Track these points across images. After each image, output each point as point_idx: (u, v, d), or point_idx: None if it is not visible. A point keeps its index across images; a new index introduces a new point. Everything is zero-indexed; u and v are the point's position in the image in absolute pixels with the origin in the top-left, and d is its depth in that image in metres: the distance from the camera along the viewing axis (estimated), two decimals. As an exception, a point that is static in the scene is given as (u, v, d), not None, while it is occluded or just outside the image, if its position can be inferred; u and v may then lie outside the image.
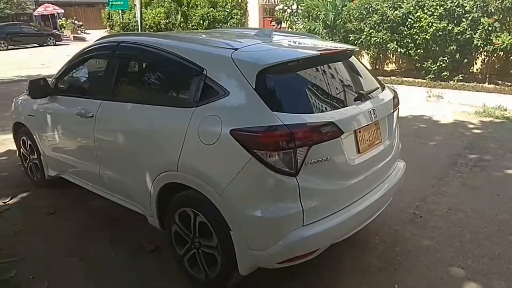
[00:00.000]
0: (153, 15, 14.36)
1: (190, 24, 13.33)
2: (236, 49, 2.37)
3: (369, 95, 2.58)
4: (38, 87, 3.44)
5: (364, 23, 9.48)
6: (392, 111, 2.75)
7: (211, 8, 13.40)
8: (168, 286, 2.64)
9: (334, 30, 10.07)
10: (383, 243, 3.07)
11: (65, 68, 3.51)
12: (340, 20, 9.94)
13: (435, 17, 8.39)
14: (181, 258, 2.63)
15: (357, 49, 2.88)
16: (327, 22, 9.89)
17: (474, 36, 8.28)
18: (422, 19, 8.50)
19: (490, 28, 7.84)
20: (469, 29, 8.25)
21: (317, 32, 10.17)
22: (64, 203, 3.84)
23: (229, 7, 13.52)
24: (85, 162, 3.30)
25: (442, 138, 5.67)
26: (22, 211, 3.74)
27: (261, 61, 2.28)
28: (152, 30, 14.96)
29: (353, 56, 2.80)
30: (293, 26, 11.42)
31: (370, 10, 9.26)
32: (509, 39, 7.71)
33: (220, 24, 13.28)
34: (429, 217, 3.43)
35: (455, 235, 3.14)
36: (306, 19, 10.71)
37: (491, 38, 8.01)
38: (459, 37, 8.37)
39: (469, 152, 5.03)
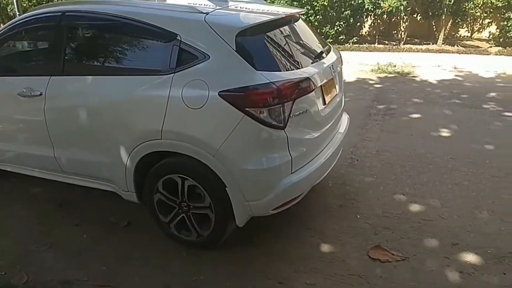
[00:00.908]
0: None
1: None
2: (207, 14, 2.44)
3: (326, 53, 2.89)
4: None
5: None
6: (340, 67, 3.12)
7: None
8: (152, 255, 2.70)
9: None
10: (336, 185, 3.52)
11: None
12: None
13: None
14: (167, 225, 2.71)
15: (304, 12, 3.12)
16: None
17: (366, 0, 9.23)
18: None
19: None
20: (361, -6, 9.21)
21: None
22: (2, 196, 3.49)
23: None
24: (32, 147, 3.05)
25: (352, 94, 6.40)
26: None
27: (236, 24, 2.41)
28: None
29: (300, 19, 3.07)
30: None
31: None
32: (394, 2, 8.85)
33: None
34: (364, 159, 4.00)
35: (388, 170, 3.75)
36: None
37: (379, 2, 9.07)
38: (352, 2, 9.28)
39: (377, 104, 5.82)
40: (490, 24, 10.52)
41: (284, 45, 2.60)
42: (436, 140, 4.42)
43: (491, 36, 10.37)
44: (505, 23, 9.04)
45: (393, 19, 9.91)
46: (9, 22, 3.02)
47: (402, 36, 10.10)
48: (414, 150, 4.14)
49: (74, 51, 2.80)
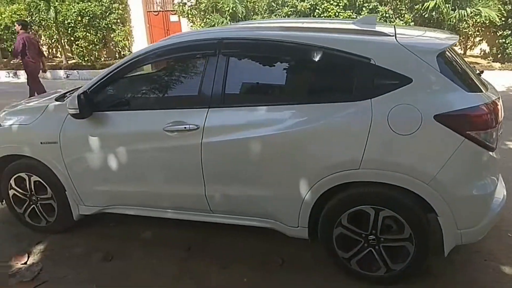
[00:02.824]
0: (10, 13, 12.00)
1: (66, 21, 11.64)
2: (393, 36, 2.40)
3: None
4: (85, 102, 2.70)
5: (275, 15, 9.97)
6: None
7: (88, 2, 11.94)
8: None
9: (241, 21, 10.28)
10: None
11: (114, 78, 2.84)
12: (245, 13, 10.19)
13: (341, 7, 9.43)
14: (346, 261, 2.55)
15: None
16: (238, 15, 10.01)
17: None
18: (329, 9, 9.44)
19: (386, 15, 9.24)
20: (367, 17, 9.53)
21: (224, 25, 10.21)
22: (115, 243, 3.15)
23: (107, 0, 12.28)
24: (175, 186, 2.79)
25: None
26: (67, 263, 2.93)
27: (434, 46, 2.38)
28: (8, 32, 12.54)
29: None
30: (194, 21, 11.12)
31: (280, 2, 9.78)
32: (402, 23, 9.26)
33: (98, 20, 11.97)
34: None
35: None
36: (211, 14, 10.59)
37: (387, 22, 9.46)
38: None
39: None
40: (481, 42, 11.29)
41: (464, 68, 2.58)
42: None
43: (482, 52, 11.12)
44: (504, 40, 9.71)
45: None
46: (141, 51, 2.79)
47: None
48: None
49: (238, 80, 2.63)
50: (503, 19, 9.06)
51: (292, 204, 2.54)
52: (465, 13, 8.74)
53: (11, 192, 3.28)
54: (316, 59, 2.43)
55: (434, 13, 8.99)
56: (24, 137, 3.09)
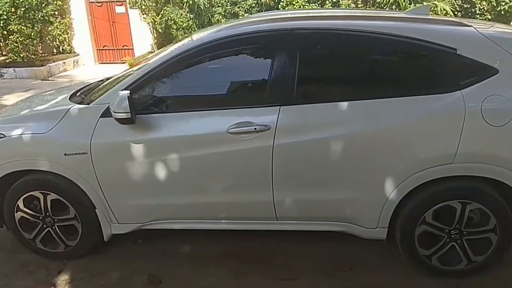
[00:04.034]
0: None
1: (-3, 14, 10.30)
2: (470, 26, 2.39)
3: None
4: (131, 104, 2.32)
5: (238, 7, 9.69)
6: None
7: (21, -7, 10.66)
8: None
9: (202, 14, 9.88)
10: None
11: (161, 75, 2.49)
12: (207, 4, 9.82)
13: (305, 0, 9.44)
14: (427, 258, 2.51)
15: None
16: (200, 7, 9.58)
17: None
18: (294, 2, 9.40)
19: (349, 8, 9.43)
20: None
21: (182, 18, 9.75)
22: (153, 263, 2.79)
23: (42, -11, 11.08)
24: (235, 194, 2.54)
25: None
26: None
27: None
28: None
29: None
30: (147, 13, 10.44)
31: (244, -6, 9.56)
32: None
33: (33, 12, 10.78)
34: None
35: None
36: (167, 5, 10.01)
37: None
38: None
39: None
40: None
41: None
42: None
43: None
44: None
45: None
46: (193, 44, 2.47)
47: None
48: None
49: (312, 74, 2.44)
50: (456, 13, 9.71)
51: (374, 205, 2.43)
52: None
53: (17, 214, 2.77)
54: (400, 50, 2.35)
55: (394, 6, 9.37)
56: (40, 148, 2.61)
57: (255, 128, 2.35)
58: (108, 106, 2.49)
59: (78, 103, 2.70)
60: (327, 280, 2.59)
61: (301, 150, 2.38)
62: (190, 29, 10.38)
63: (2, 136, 2.64)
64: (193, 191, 2.57)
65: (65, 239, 2.78)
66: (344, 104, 2.33)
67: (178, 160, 2.48)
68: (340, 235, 2.66)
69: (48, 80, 9.92)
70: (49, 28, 11.55)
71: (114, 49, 12.09)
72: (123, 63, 11.71)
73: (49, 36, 11.82)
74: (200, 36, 2.60)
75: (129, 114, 2.30)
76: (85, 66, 11.79)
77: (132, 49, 11.88)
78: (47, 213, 2.73)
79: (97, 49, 12.13)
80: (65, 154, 2.53)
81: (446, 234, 2.45)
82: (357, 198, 2.43)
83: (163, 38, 11.32)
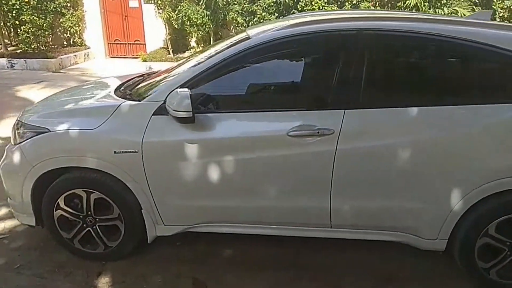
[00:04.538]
0: None
1: (10, 2, 10.15)
2: None
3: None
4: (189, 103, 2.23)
5: (257, 5, 9.62)
6: None
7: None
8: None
9: (218, 11, 9.79)
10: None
11: (220, 73, 2.41)
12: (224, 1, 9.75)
13: (324, 0, 9.36)
14: (486, 271, 2.43)
15: None
16: (218, 3, 9.49)
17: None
18: (313, 2, 9.32)
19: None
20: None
21: (197, 15, 9.66)
22: (196, 267, 2.71)
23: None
24: (290, 199, 2.47)
25: None
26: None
27: None
28: None
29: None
30: (163, 9, 10.32)
31: (263, -8, 9.48)
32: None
33: (46, 3, 10.66)
34: None
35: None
36: (185, 0, 9.92)
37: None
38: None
39: None
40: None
41: None
42: None
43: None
44: None
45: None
46: (257, 41, 2.38)
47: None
48: None
49: (381, 77, 2.38)
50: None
51: (437, 216, 2.36)
52: (442, 12, 9.15)
53: (57, 213, 2.68)
54: (473, 56, 2.29)
55: (414, 10, 9.31)
56: (88, 145, 2.52)
57: (318, 132, 2.27)
58: (161, 104, 2.41)
59: (123, 99, 2.62)
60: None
61: (364, 156, 2.31)
62: (204, 26, 10.32)
63: (47, 130, 2.55)
64: (247, 194, 2.49)
65: (106, 239, 2.70)
66: (412, 110, 2.26)
67: (234, 161, 2.39)
68: (386, 245, 2.60)
69: (60, 72, 9.81)
70: (61, 20, 11.45)
71: (126, 44, 11.96)
72: (135, 57, 11.62)
73: (60, 28, 11.71)
74: (259, 34, 2.51)
75: (190, 113, 2.21)
76: (96, 60, 11.67)
77: (144, 44, 11.76)
78: (89, 212, 2.65)
79: (108, 43, 12.01)
80: (115, 152, 2.44)
81: (507, 247, 2.38)
82: (420, 208, 2.36)
83: (177, 34, 11.25)
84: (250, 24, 9.97)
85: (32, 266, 2.74)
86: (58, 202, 2.64)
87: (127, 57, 11.86)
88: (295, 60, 2.56)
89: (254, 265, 2.74)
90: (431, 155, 2.27)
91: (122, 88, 2.91)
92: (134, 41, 11.93)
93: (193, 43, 11.55)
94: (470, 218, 2.34)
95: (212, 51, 2.80)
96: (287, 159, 2.36)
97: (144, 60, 10.22)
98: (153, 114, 2.43)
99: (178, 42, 11.30)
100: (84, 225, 2.69)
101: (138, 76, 3.28)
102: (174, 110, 2.24)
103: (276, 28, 2.50)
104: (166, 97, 2.40)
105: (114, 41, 11.98)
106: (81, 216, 2.67)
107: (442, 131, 2.25)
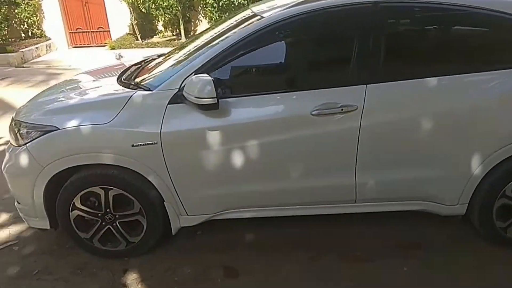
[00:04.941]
0: None
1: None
2: None
3: None
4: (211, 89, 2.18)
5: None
6: None
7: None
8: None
9: None
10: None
11: (236, 55, 2.35)
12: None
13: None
14: (503, 230, 2.57)
15: None
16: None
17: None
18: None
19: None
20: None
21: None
22: (222, 255, 2.70)
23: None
24: (314, 178, 2.49)
25: None
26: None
27: None
28: None
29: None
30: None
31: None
32: None
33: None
34: None
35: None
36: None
37: None
38: None
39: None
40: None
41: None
42: None
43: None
44: None
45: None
46: (270, 20, 2.32)
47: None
48: None
49: (401, 50, 2.40)
50: None
51: (458, 182, 2.45)
52: None
53: (73, 213, 2.58)
54: (488, 23, 2.35)
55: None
56: (103, 140, 2.42)
57: (342, 109, 2.28)
58: (176, 92, 2.34)
59: (130, 89, 2.53)
60: (403, 261, 2.57)
61: (388, 129, 2.35)
62: (171, 9, 10.03)
63: (55, 128, 2.42)
64: (271, 178, 2.48)
65: (128, 235, 2.63)
66: (432, 81, 2.30)
67: (257, 145, 2.37)
68: (408, 215, 2.69)
69: (23, 67, 9.29)
70: (16, 11, 10.79)
71: (89, 32, 11.47)
72: (101, 46, 11.17)
73: (16, 20, 11.05)
74: (271, 12, 2.45)
75: (215, 99, 2.16)
76: (59, 51, 11.13)
77: (108, 31, 11.32)
78: (108, 210, 2.56)
79: (70, 32, 11.47)
80: (132, 145, 2.36)
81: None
82: (442, 176, 2.44)
83: (143, 18, 10.87)
84: (220, 4, 9.78)
85: (51, 270, 2.64)
86: (73, 202, 2.53)
87: (92, 46, 11.40)
88: (313, 37, 2.52)
89: (279, 247, 2.75)
90: (453, 123, 2.33)
91: (124, 77, 2.79)
92: (98, 29, 11.45)
93: (160, 27, 11.22)
94: (489, 181, 2.44)
95: (215, 33, 2.74)
96: (311, 138, 2.36)
97: (113, 48, 9.83)
98: (168, 103, 2.36)
99: (145, 27, 10.94)
100: (103, 223, 2.60)
101: (135, 64, 3.16)
102: (196, 97, 2.18)
103: (289, 5, 2.45)
104: (181, 85, 2.34)
105: (76, 30, 11.46)
106: (99, 214, 2.58)
107: (462, 99, 2.32)
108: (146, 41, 10.48)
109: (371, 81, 2.30)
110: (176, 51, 3.00)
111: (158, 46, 9.70)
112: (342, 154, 2.40)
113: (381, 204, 2.59)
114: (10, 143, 2.71)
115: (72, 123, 2.41)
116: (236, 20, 2.74)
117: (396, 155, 2.42)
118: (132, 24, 10.75)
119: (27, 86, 7.48)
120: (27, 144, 2.45)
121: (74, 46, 11.56)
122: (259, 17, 2.49)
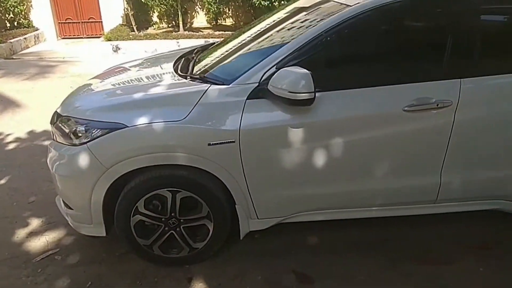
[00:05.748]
0: None
1: None
2: None
3: None
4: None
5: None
6: None
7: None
8: None
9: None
10: None
11: (321, 47, 2.18)
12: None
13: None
14: None
15: None
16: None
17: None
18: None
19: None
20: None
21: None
22: (288, 259, 2.53)
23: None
24: (399, 178, 2.35)
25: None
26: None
27: None
28: None
29: None
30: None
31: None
32: None
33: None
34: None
35: None
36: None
37: None
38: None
39: None
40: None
41: None
42: None
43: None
44: None
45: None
46: (360, 8, 2.15)
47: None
48: None
49: (499, 42, 2.28)
50: None
51: None
52: None
53: (134, 218, 2.36)
54: None
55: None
56: (177, 139, 2.20)
57: (437, 105, 2.14)
58: (256, 87, 2.15)
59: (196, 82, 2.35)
60: (484, 262, 2.49)
61: (481, 126, 2.25)
62: (168, -1, 9.71)
63: (123, 126, 2.19)
64: (353, 178, 2.34)
65: (192, 241, 2.43)
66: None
67: (342, 144, 2.21)
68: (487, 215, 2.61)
69: (13, 58, 8.78)
70: (1, -1, 10.20)
71: (79, 22, 10.97)
72: (92, 37, 10.73)
73: (1, 8, 10.44)
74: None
75: (312, 94, 1.98)
76: (48, 42, 10.60)
77: (100, 21, 10.86)
78: (172, 214, 2.35)
79: (59, 23, 10.95)
80: (209, 144, 2.16)
81: None
82: None
83: (137, 9, 10.49)
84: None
85: (106, 281, 2.42)
86: (137, 206, 2.31)
87: (82, 37, 10.93)
88: (404, 28, 2.37)
89: (350, 250, 2.61)
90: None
91: (185, 70, 2.58)
92: (89, 19, 10.97)
93: (155, 18, 10.86)
94: None
95: (282, 22, 2.57)
96: (401, 136, 2.23)
97: (109, 39, 9.41)
98: (247, 99, 2.17)
99: (139, 18, 10.55)
100: (166, 228, 2.39)
101: (190, 53, 2.98)
102: (290, 92, 2.00)
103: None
104: (261, 79, 2.15)
105: (66, 20, 10.93)
106: (163, 219, 2.37)
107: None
108: (142, 32, 10.10)
109: (466, 75, 2.18)
110: (233, 40, 2.80)
111: (158, 38, 9.36)
112: (430, 152, 2.28)
113: (459, 204, 2.49)
114: (56, 141, 2.45)
115: (142, 120, 2.18)
116: (309, 9, 2.55)
117: (485, 152, 2.32)
118: (127, 14, 10.35)
119: (22, 79, 7.05)
120: (88, 143, 2.21)
121: (63, 37, 11.04)
122: (338, 4, 2.33)
